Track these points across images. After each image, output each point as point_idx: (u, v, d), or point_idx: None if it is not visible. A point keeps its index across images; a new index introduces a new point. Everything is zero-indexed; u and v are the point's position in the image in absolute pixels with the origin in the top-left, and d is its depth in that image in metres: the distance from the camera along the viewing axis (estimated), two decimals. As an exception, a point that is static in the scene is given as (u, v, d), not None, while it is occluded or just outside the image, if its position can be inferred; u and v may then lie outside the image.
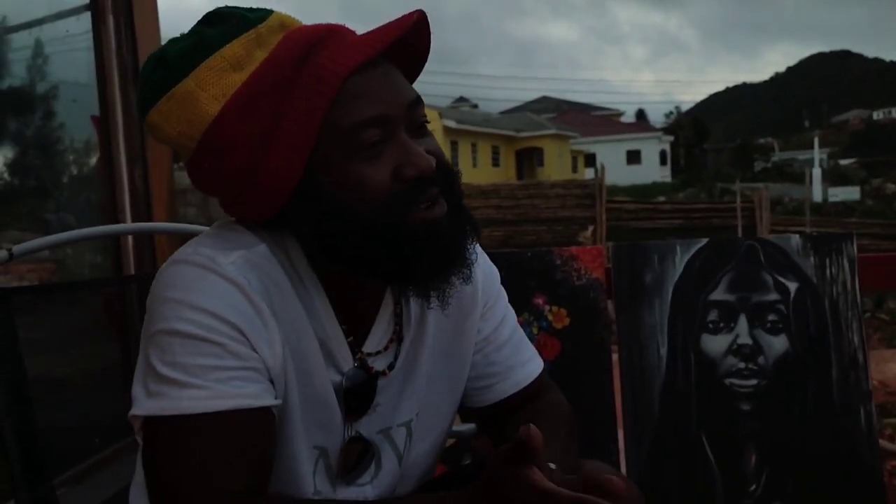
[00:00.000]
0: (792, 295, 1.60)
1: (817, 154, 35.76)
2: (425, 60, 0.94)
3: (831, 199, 27.21)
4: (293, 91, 0.83)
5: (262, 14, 0.88)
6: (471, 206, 0.95)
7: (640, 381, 1.61)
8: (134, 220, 1.53)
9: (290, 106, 0.83)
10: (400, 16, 0.87)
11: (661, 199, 22.21)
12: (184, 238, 1.35)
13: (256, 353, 0.83)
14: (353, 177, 0.82)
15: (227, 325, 0.81)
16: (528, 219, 16.22)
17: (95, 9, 1.54)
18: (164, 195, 1.57)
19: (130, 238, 1.47)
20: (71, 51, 1.98)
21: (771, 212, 16.79)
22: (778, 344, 1.60)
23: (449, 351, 1.01)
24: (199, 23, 0.89)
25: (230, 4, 0.90)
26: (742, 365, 1.60)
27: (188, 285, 0.82)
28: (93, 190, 2.08)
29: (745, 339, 1.60)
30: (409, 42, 0.89)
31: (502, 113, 49.50)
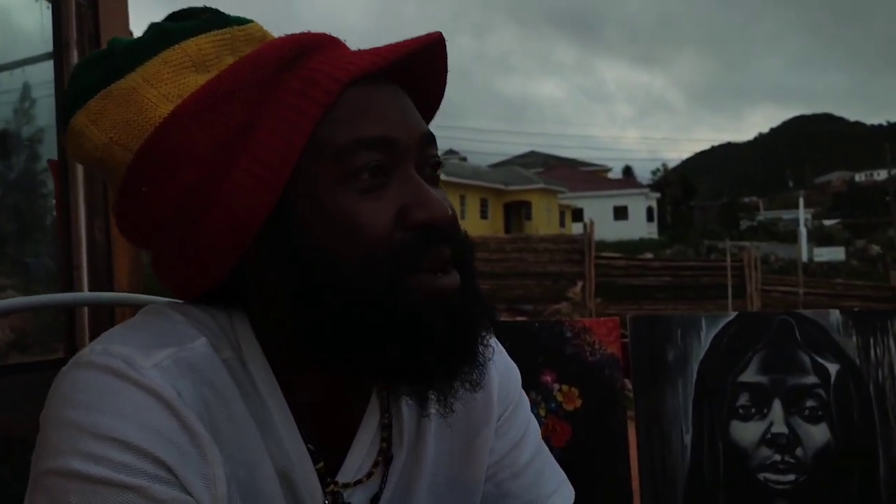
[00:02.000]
0: (832, 378, 1.43)
1: (802, 214, 36.14)
2: (440, 98, 0.75)
3: (817, 259, 27.41)
4: (274, 95, 0.63)
5: (243, 19, 0.70)
6: None
7: (662, 473, 1.42)
8: (92, 280, 1.35)
9: (267, 112, 0.63)
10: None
11: (649, 255, 22.20)
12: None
13: (190, 495, 0.59)
14: (345, 212, 0.62)
15: (147, 460, 0.58)
16: (516, 272, 16.07)
17: (59, 45, 1.38)
18: (129, 252, 1.39)
19: (87, 310, 1.29)
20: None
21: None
22: (817, 434, 1.41)
23: (454, 479, 0.77)
24: (164, 19, 0.70)
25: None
26: (777, 457, 1.41)
27: (92, 401, 0.59)
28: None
29: (780, 428, 1.42)
30: (421, 70, 0.71)
31: (491, 166, 49.83)
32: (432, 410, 0.70)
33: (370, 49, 0.68)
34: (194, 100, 0.63)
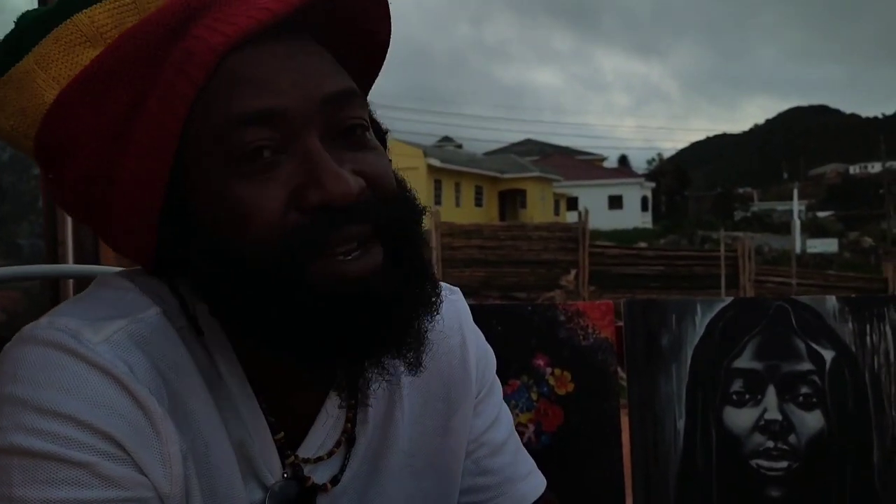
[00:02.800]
0: (828, 365, 1.41)
1: (796, 205, 36.22)
2: (382, 45, 0.67)
3: (810, 251, 27.51)
4: (158, 72, 0.57)
5: None
6: (452, 246, 0.70)
7: (654, 458, 1.41)
8: (77, 255, 1.32)
9: (150, 91, 0.57)
10: None
11: (643, 244, 22.23)
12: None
13: (144, 475, 0.57)
14: (231, 199, 0.57)
15: (97, 436, 0.55)
16: (510, 260, 16.05)
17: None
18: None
19: (72, 283, 1.26)
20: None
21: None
22: (811, 421, 1.40)
23: (433, 456, 0.75)
24: None
25: None
26: (770, 444, 1.40)
27: (37, 377, 0.56)
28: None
29: (773, 415, 1.40)
30: (347, 13, 0.63)
31: (486, 154, 49.77)
32: (365, 396, 0.67)
33: (265, 0, 0.59)
34: (78, 82, 0.59)
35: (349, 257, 0.59)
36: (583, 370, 1.45)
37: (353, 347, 0.60)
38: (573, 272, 15.33)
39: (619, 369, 1.47)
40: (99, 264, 1.31)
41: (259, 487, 0.65)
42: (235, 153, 0.58)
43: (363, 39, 0.66)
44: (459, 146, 50.68)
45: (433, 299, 0.63)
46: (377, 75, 0.69)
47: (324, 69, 0.61)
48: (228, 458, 0.63)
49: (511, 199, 37.60)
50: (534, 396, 1.45)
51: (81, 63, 0.59)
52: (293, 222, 0.58)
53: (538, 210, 35.98)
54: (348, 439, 0.70)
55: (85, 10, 0.60)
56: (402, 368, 0.64)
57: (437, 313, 0.64)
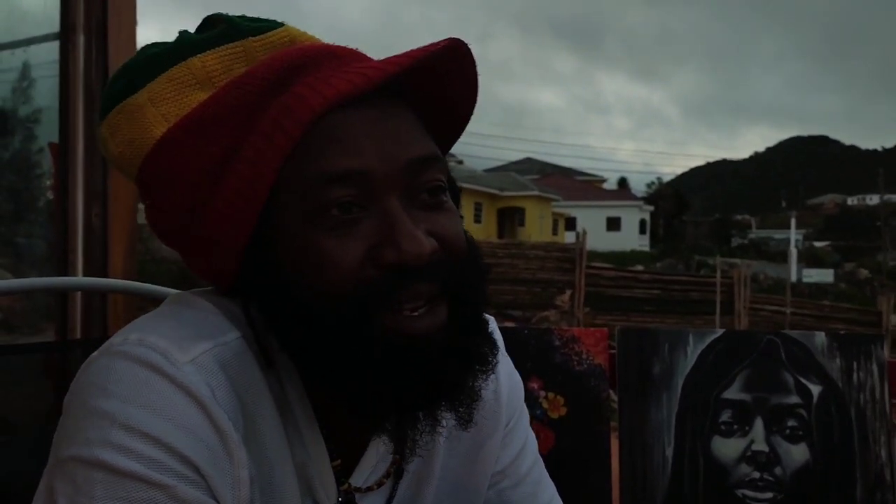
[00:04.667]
0: (815, 399, 1.44)
1: (794, 234, 36.32)
2: (468, 111, 0.71)
3: (805, 280, 27.54)
4: (257, 122, 0.62)
5: (264, 26, 0.67)
6: None
7: (642, 484, 1.44)
8: (87, 265, 1.35)
9: (247, 139, 0.62)
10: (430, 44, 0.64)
11: (640, 267, 22.26)
12: (151, 302, 1.17)
13: (214, 498, 0.59)
14: (312, 249, 0.60)
15: (177, 459, 0.57)
16: (506, 278, 16.07)
17: (65, 28, 1.38)
18: (125, 239, 1.40)
19: (80, 294, 1.29)
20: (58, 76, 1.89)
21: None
22: (797, 454, 1.43)
23: (459, 484, 0.78)
24: (197, 28, 0.70)
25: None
26: (757, 475, 1.43)
27: (126, 393, 0.58)
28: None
29: (760, 446, 1.43)
30: (437, 81, 0.67)
31: (487, 171, 49.91)
32: (417, 446, 0.69)
33: (372, 62, 0.65)
34: (185, 122, 0.63)
35: (415, 314, 0.61)
36: (576, 395, 1.48)
37: (408, 400, 0.62)
38: (569, 292, 15.35)
39: (611, 394, 1.50)
40: (107, 275, 1.34)
41: None
42: (320, 207, 0.61)
43: (449, 109, 0.70)
44: (460, 162, 50.77)
45: (490, 358, 0.66)
46: (458, 139, 0.73)
47: (410, 134, 0.64)
48: (290, 480, 0.65)
49: (510, 217, 37.65)
50: (527, 419, 1.48)
51: (190, 104, 0.64)
52: (368, 277, 0.61)
53: (536, 229, 36.04)
54: (396, 471, 0.73)
55: (199, 55, 0.65)
56: (453, 422, 0.66)
57: (493, 372, 0.67)
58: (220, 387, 0.61)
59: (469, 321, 0.64)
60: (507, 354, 0.83)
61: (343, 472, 0.70)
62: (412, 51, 0.64)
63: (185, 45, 0.66)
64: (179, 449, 0.57)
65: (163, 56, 0.66)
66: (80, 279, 1.30)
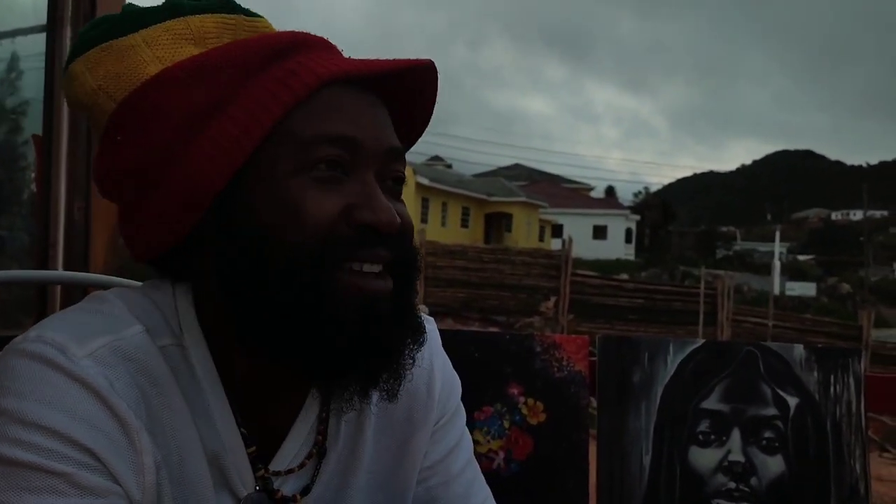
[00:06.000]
0: (792, 411, 1.45)
1: (777, 247, 36.59)
2: (424, 123, 0.78)
3: (788, 293, 27.74)
4: (255, 79, 0.66)
5: (254, 14, 0.74)
6: (436, 265, 0.78)
7: (619, 492, 1.44)
8: (67, 258, 1.34)
9: (244, 93, 0.66)
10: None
11: (625, 276, 22.35)
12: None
13: (118, 484, 0.61)
14: (294, 197, 0.65)
15: (74, 448, 0.59)
16: (492, 283, 16.10)
17: (52, 21, 1.38)
18: (107, 233, 1.38)
19: (59, 288, 1.28)
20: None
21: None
22: (773, 465, 1.44)
23: (387, 476, 0.79)
24: None
25: None
26: (732, 485, 1.43)
27: (22, 389, 0.60)
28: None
29: (737, 456, 1.44)
30: (409, 92, 0.74)
31: (475, 176, 49.93)
32: (343, 409, 0.71)
33: (360, 59, 0.71)
34: (183, 66, 0.67)
35: (370, 276, 0.67)
36: (555, 401, 1.48)
37: (351, 355, 0.65)
38: (553, 299, 15.39)
39: (591, 401, 1.50)
40: (88, 270, 1.33)
41: (231, 498, 0.69)
42: (311, 161, 0.66)
43: (414, 114, 0.77)
44: (449, 166, 50.81)
45: (420, 337, 0.71)
46: (412, 146, 0.80)
47: (389, 125, 0.72)
48: (202, 470, 0.67)
49: (497, 223, 37.71)
50: (506, 424, 1.48)
51: (182, 53, 0.69)
52: (340, 230, 0.66)
53: (523, 235, 36.11)
54: (319, 452, 0.74)
55: (199, 15, 0.71)
56: (378, 395, 0.69)
57: (420, 350, 0.71)
58: (119, 379, 0.63)
59: (409, 297, 0.70)
60: (445, 354, 0.86)
61: (263, 458, 0.71)
62: (398, 59, 0.70)
63: (185, 6, 0.71)
64: (77, 438, 0.60)
65: (160, 10, 0.71)
66: (59, 273, 1.29)
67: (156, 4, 0.72)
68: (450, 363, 0.87)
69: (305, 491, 0.73)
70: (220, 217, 0.67)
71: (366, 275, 0.66)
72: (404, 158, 0.73)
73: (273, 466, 0.72)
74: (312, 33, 0.73)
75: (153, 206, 0.68)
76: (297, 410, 0.73)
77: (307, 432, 0.73)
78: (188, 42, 0.69)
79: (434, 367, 0.82)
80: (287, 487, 0.72)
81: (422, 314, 0.75)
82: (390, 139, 0.71)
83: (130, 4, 0.73)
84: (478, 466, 0.88)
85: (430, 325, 0.85)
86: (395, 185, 0.72)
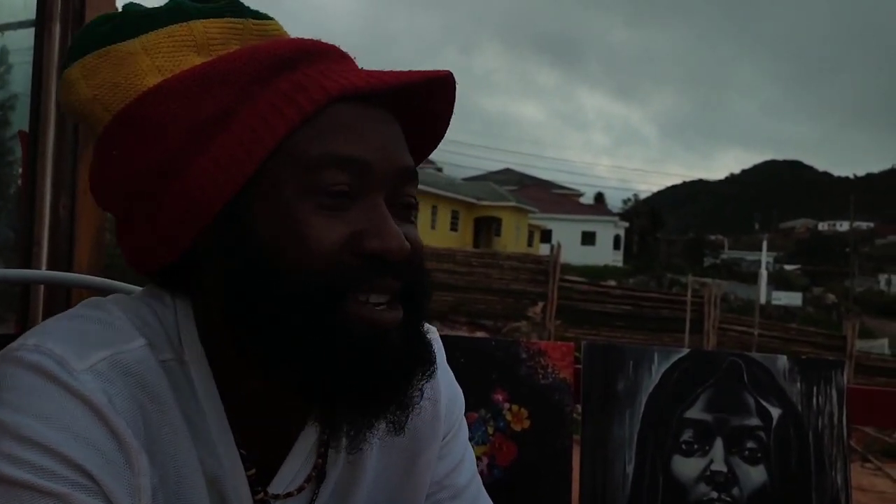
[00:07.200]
0: (774, 422, 1.46)
1: (765, 256, 36.80)
2: (438, 138, 0.73)
3: (774, 302, 27.90)
4: (262, 91, 0.62)
5: (264, 15, 0.69)
6: None
7: (602, 500, 1.44)
8: (51, 256, 1.32)
9: (249, 107, 0.62)
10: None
11: (612, 282, 22.40)
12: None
13: None
14: (298, 223, 0.61)
15: (70, 468, 0.56)
16: (479, 287, 16.10)
17: (42, 17, 1.36)
18: (92, 232, 1.37)
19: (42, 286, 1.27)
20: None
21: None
22: (755, 475, 1.44)
23: (393, 496, 0.77)
24: None
25: None
26: (714, 495, 1.44)
27: (19, 402, 0.57)
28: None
29: (719, 466, 1.45)
30: (423, 106, 0.70)
31: (465, 179, 49.93)
32: (344, 443, 0.68)
33: (372, 70, 0.67)
34: (183, 77, 0.63)
35: (379, 307, 0.63)
36: (540, 408, 1.48)
37: (357, 389, 0.62)
38: (541, 304, 15.41)
39: (576, 408, 1.50)
40: (72, 268, 1.32)
41: None
42: (316, 185, 0.62)
43: (428, 128, 0.73)
44: (440, 169, 50.80)
45: (431, 367, 0.68)
46: (423, 159, 0.75)
47: (403, 144, 0.68)
48: (200, 493, 0.65)
49: (486, 227, 37.73)
50: (490, 430, 1.48)
51: (184, 62, 0.64)
52: (346, 259, 0.62)
53: (512, 240, 36.14)
54: (318, 476, 0.72)
55: (203, 20, 0.66)
56: (387, 427, 0.66)
57: (433, 378, 0.68)
58: (118, 395, 0.60)
59: (419, 326, 0.67)
60: (448, 367, 0.84)
61: (262, 480, 0.69)
62: (413, 71, 0.66)
63: (189, 9, 0.67)
64: (73, 458, 0.56)
65: (162, 13, 0.66)
66: (43, 272, 1.28)
67: (156, 7, 0.69)
68: (452, 376, 0.85)
69: None
70: (220, 234, 0.63)
71: (373, 306, 0.63)
72: (416, 178, 0.68)
73: (272, 489, 0.69)
74: (323, 40, 0.68)
75: (150, 222, 0.65)
76: (297, 432, 0.71)
77: (307, 455, 0.71)
78: (190, 49, 0.65)
79: (439, 381, 0.79)
80: None
81: (427, 327, 0.72)
82: (402, 159, 0.66)
83: (132, 3, 0.69)
84: (480, 480, 0.87)
85: (433, 335, 0.81)
86: (405, 209, 0.67)
